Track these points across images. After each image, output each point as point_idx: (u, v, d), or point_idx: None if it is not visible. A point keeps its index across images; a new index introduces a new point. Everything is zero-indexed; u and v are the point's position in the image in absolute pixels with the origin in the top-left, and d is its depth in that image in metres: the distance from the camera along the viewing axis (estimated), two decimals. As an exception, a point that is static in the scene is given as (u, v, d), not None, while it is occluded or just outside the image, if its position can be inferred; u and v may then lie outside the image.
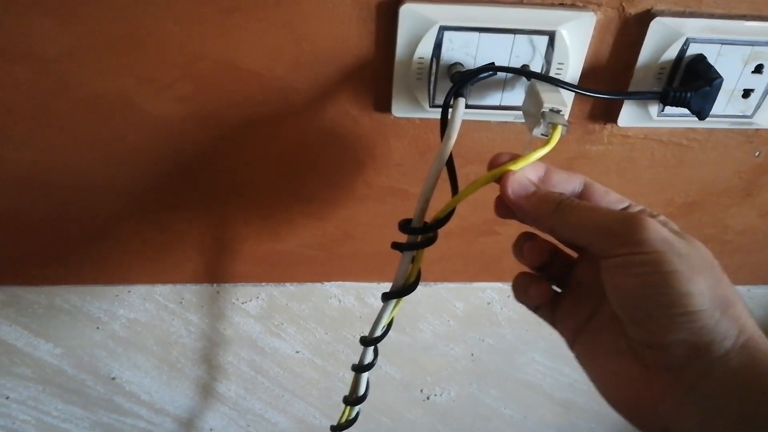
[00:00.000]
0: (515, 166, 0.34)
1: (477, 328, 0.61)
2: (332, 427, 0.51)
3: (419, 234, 0.37)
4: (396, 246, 0.38)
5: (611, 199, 0.34)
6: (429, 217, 0.37)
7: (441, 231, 0.51)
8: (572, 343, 0.35)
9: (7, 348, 0.57)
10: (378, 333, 0.43)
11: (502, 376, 0.67)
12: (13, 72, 0.39)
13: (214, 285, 0.54)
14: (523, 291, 0.36)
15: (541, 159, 0.47)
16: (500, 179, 0.34)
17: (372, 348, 0.45)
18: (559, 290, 0.37)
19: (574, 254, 0.37)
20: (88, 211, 0.48)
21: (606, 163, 0.48)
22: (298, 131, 0.44)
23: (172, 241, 0.50)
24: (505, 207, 0.34)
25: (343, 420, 0.50)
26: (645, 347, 0.30)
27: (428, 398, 0.69)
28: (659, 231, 0.29)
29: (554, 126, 0.35)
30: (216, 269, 0.53)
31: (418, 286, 0.56)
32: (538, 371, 0.67)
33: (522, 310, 0.59)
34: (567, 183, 0.35)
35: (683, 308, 0.28)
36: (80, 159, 0.45)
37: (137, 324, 0.56)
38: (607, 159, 0.48)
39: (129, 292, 0.54)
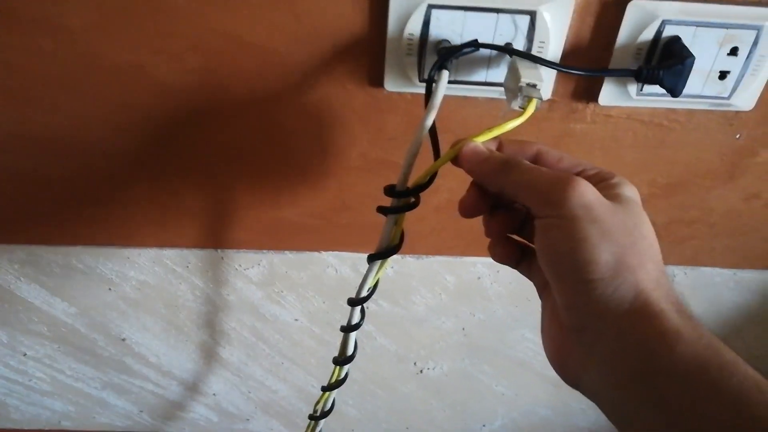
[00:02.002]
0: (490, 134, 0.37)
1: (468, 302, 0.64)
2: (323, 387, 0.54)
3: (402, 197, 0.40)
4: (381, 209, 0.41)
5: (564, 165, 0.36)
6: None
7: (431, 205, 0.55)
8: (540, 297, 0.37)
9: (26, 305, 0.61)
10: (364, 293, 0.46)
11: (494, 352, 0.70)
12: (43, 42, 0.43)
13: (219, 250, 0.58)
14: (492, 249, 0.39)
15: (527, 136, 0.50)
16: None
17: (359, 308, 0.48)
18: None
19: None
20: (103, 175, 0.51)
21: (590, 142, 0.51)
22: (298, 103, 0.47)
23: (180, 206, 0.54)
24: (466, 205, 0.37)
25: (333, 380, 0.53)
26: (561, 309, 0.32)
27: (421, 371, 0.71)
28: (583, 195, 0.30)
29: (530, 99, 0.38)
30: (220, 235, 0.56)
31: (412, 259, 0.60)
32: (529, 348, 0.69)
33: (512, 286, 0.63)
34: (521, 152, 0.37)
35: (584, 275, 0.30)
36: (98, 124, 0.48)
37: (146, 286, 0.60)
38: (591, 138, 0.50)
39: (139, 254, 0.57)
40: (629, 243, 0.30)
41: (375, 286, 0.46)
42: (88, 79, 0.45)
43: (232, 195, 0.53)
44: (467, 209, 0.38)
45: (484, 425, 0.79)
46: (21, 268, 0.58)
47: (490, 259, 0.60)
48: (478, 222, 0.56)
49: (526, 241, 0.39)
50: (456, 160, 0.36)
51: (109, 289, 0.60)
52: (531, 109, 0.38)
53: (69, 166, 0.51)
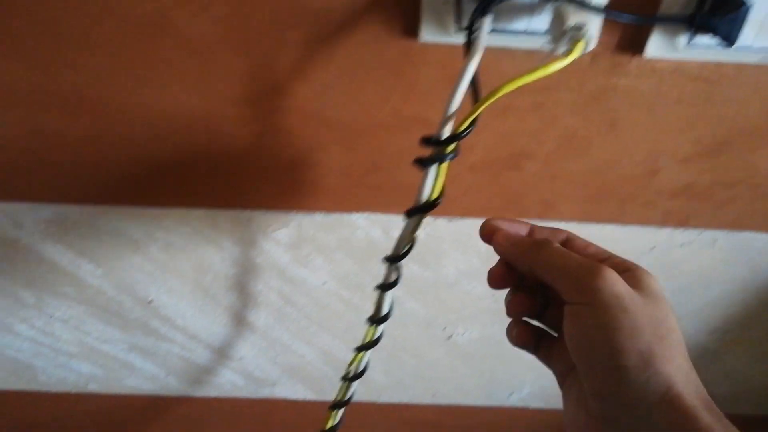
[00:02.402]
0: (533, 76, 0.35)
1: (500, 266, 0.62)
2: (357, 348, 0.53)
3: (441, 146, 0.38)
4: (419, 161, 0.40)
5: (591, 251, 0.37)
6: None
7: (466, 164, 0.53)
8: (561, 385, 0.37)
9: (52, 267, 0.60)
10: (401, 251, 0.45)
11: (524, 319, 0.68)
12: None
13: (247, 211, 0.56)
14: (509, 332, 0.39)
15: (568, 92, 0.48)
16: (490, 237, 0.38)
17: (395, 266, 0.46)
18: (555, 335, 0.39)
19: None
20: (129, 133, 0.50)
21: (633, 98, 0.48)
22: (328, 56, 0.46)
23: (207, 164, 0.53)
24: (495, 276, 0.38)
25: (367, 340, 0.52)
26: (590, 396, 0.32)
27: (450, 337, 0.70)
28: (613, 284, 0.31)
29: (576, 41, 0.36)
30: (248, 195, 0.55)
31: (443, 221, 0.58)
32: (559, 315, 0.68)
33: (545, 250, 0.61)
34: (551, 237, 0.38)
35: (617, 362, 0.30)
36: (122, 80, 0.47)
37: (173, 247, 0.59)
38: (635, 93, 0.48)
39: (166, 215, 0.56)
40: (659, 335, 0.31)
41: (412, 243, 0.44)
42: (109, 31, 0.44)
43: (260, 152, 0.52)
44: (495, 280, 0.38)
45: (512, 393, 0.78)
46: (47, 228, 0.57)
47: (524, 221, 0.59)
48: (512, 183, 0.55)
49: (545, 328, 0.39)
50: (489, 241, 0.38)
51: (136, 250, 0.59)
52: (577, 52, 0.36)
53: (94, 123, 0.50)
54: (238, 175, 0.53)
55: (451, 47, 0.45)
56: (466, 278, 0.64)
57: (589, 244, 0.37)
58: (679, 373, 0.30)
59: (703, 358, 0.74)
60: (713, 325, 0.70)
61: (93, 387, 0.74)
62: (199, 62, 0.46)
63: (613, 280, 0.31)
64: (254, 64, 0.46)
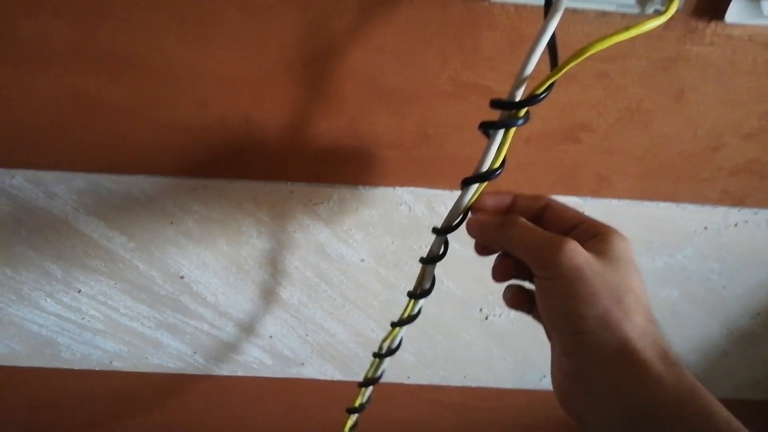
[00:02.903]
0: (626, 34, 0.33)
1: (545, 245, 0.60)
2: (393, 323, 0.51)
3: (513, 109, 0.36)
4: (485, 125, 0.37)
5: (568, 216, 0.39)
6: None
7: (521, 135, 0.50)
8: (550, 341, 0.39)
9: (83, 239, 0.58)
10: (453, 222, 0.42)
11: (564, 300, 0.66)
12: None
13: (288, 183, 0.54)
14: (504, 294, 0.43)
15: (636, 58, 0.45)
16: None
17: (443, 239, 0.44)
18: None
19: None
20: (171, 97, 0.48)
21: (704, 67, 0.46)
22: (387, 17, 0.43)
23: (252, 133, 0.50)
24: (480, 249, 0.42)
25: (406, 315, 0.50)
26: (560, 355, 0.36)
27: (486, 318, 0.68)
28: (574, 257, 0.33)
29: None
30: (291, 166, 0.53)
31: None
32: (601, 296, 0.66)
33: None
34: (532, 205, 0.41)
35: (576, 327, 0.34)
36: (168, 41, 0.44)
37: (209, 221, 0.57)
38: (707, 62, 0.46)
39: (205, 186, 0.54)
40: (616, 299, 0.33)
41: (466, 214, 0.42)
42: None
43: (307, 121, 0.50)
44: (480, 250, 0.42)
45: (544, 376, 0.76)
46: (79, 198, 0.55)
47: (576, 198, 0.56)
48: (568, 156, 0.53)
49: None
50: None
51: (171, 222, 0.57)
52: (673, 8, 0.33)
53: (136, 86, 0.47)
54: (282, 144, 0.51)
55: (520, 8, 0.42)
56: (509, 257, 0.61)
57: (567, 209, 0.39)
58: (634, 330, 0.33)
59: (743, 342, 0.72)
60: (758, 308, 0.68)
61: (117, 365, 0.72)
62: (253, 19, 0.43)
63: (573, 253, 0.34)
64: (310, 23, 0.43)
